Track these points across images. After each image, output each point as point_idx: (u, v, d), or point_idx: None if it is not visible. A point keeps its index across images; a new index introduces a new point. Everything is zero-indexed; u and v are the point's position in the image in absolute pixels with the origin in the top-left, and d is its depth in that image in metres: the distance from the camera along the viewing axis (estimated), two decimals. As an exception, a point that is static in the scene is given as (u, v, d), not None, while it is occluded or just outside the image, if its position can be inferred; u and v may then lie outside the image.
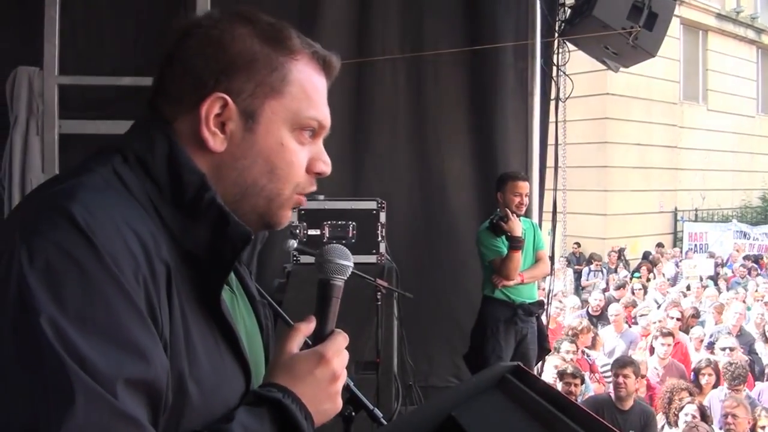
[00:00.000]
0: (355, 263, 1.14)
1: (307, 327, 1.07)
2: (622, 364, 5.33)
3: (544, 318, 5.20)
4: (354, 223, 4.28)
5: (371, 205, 4.36)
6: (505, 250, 4.60)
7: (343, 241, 4.11)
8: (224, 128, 0.98)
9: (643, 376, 6.08)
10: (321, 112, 1.05)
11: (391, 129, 5.32)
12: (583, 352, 6.81)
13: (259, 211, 1.03)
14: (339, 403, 1.05)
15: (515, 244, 4.56)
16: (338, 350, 1.05)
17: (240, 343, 0.99)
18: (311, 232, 4.21)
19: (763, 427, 5.25)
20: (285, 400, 0.96)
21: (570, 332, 7.03)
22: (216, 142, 0.98)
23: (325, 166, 1.07)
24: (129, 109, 4.41)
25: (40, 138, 4.38)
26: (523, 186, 4.77)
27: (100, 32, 4.61)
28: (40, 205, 0.86)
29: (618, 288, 10.22)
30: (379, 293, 3.86)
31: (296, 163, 1.03)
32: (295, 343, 1.05)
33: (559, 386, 5.39)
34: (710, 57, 19.43)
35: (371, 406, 1.42)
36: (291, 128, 1.02)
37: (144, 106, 1.04)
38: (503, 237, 4.61)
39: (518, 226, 4.60)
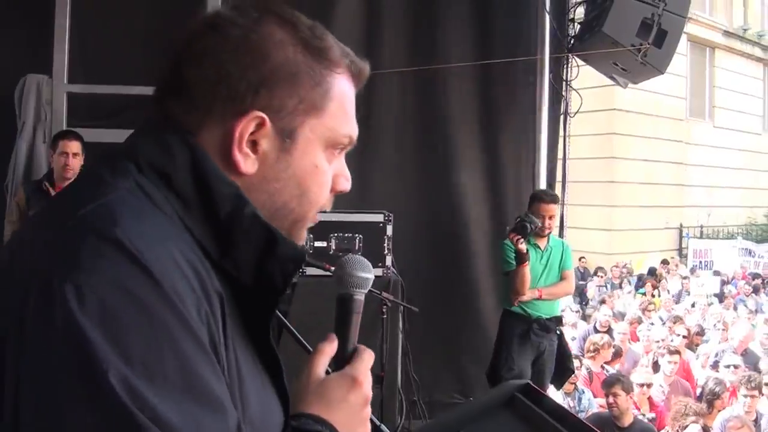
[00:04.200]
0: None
1: (331, 347, 0.98)
2: (609, 383, 5.31)
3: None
4: (360, 236, 4.28)
5: (378, 217, 4.36)
6: (515, 264, 4.60)
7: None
8: (256, 147, 0.86)
9: (650, 386, 6.10)
10: (354, 127, 0.96)
11: (399, 142, 5.31)
12: (602, 367, 6.82)
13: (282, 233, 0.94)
14: (369, 427, 0.99)
15: (519, 258, 4.55)
16: (367, 370, 0.99)
17: (283, 376, 0.93)
18: (317, 244, 4.21)
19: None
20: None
21: (591, 347, 6.99)
22: (247, 164, 0.86)
23: (347, 182, 0.97)
24: (138, 117, 4.37)
25: (47, 145, 4.39)
26: (548, 208, 4.69)
27: (110, 41, 4.63)
28: (73, 232, 0.73)
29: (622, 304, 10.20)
30: (384, 306, 3.84)
31: (327, 185, 0.93)
32: (321, 367, 0.97)
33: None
34: (717, 74, 19.46)
35: (378, 422, 1.40)
36: (325, 147, 0.92)
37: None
38: (515, 251, 4.58)
39: (523, 244, 4.58)
